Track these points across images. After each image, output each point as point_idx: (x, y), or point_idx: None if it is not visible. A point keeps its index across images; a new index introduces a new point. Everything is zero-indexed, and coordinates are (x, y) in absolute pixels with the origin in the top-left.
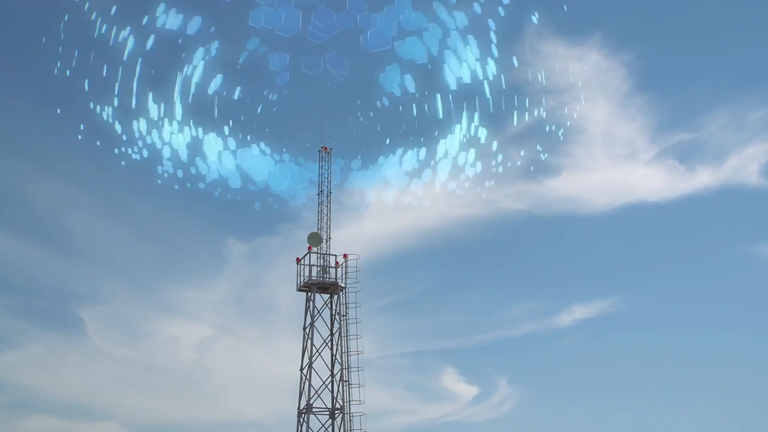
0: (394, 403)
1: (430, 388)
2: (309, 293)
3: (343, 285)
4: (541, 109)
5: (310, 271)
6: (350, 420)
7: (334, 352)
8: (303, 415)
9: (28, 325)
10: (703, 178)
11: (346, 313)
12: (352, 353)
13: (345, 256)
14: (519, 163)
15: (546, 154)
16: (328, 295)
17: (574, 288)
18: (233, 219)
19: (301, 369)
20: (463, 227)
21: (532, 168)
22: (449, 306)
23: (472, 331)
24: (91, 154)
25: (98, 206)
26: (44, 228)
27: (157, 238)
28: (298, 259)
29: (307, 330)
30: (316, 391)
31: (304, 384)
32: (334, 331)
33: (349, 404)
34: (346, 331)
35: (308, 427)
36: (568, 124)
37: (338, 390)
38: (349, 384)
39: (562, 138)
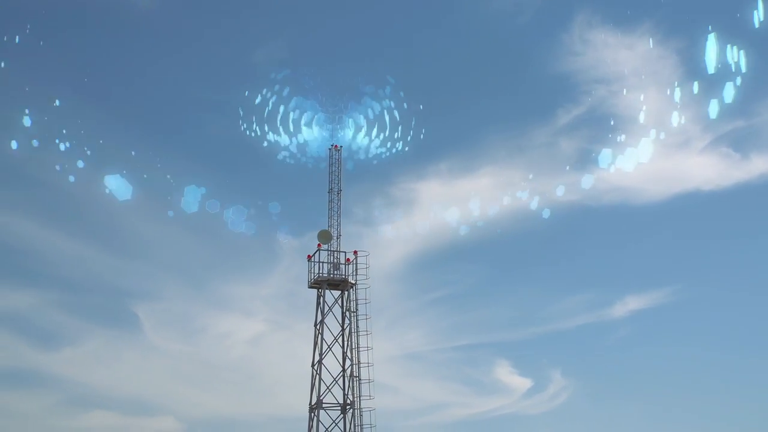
0: (447, 396)
1: (483, 381)
2: (320, 290)
3: (354, 282)
4: (592, 98)
5: (320, 268)
6: (360, 415)
7: (345, 349)
8: (314, 410)
9: (86, 322)
10: (758, 166)
11: (356, 309)
12: (362, 349)
13: (355, 252)
14: (570, 153)
15: (598, 144)
16: (339, 292)
17: (627, 279)
18: (284, 214)
19: (312, 365)
20: (514, 219)
21: (583, 158)
22: (501, 298)
23: (525, 323)
24: None
25: (152, 205)
26: (101, 227)
27: (210, 235)
28: (309, 256)
29: (318, 327)
30: (328, 387)
31: (315, 380)
32: (345, 328)
33: (359, 399)
34: (356, 327)
35: (318, 422)
36: (619, 113)
37: (348, 386)
38: (359, 380)
39: (613, 127)
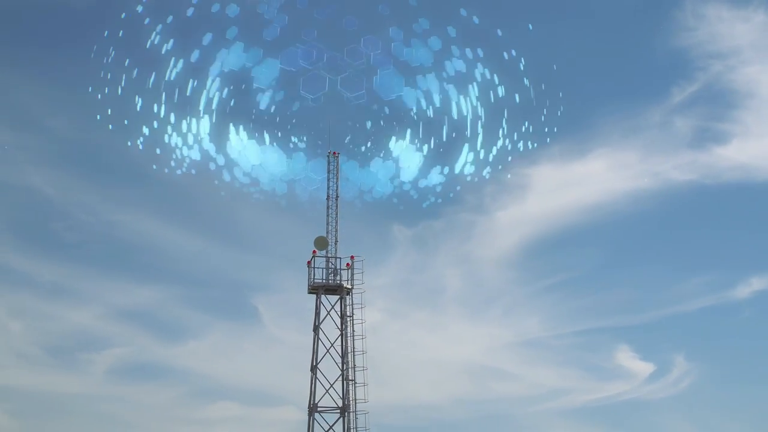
0: (567, 382)
1: (604, 366)
2: (318, 295)
3: (350, 287)
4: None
5: (314, 274)
6: (355, 418)
7: (342, 352)
8: (311, 413)
9: (207, 315)
10: None
11: (351, 314)
12: (357, 353)
13: (352, 257)
14: (686, 132)
15: (714, 121)
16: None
17: (750, 259)
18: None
19: (311, 369)
20: (630, 201)
21: (699, 136)
22: (620, 282)
23: (645, 307)
24: None
25: (266, 199)
26: (219, 222)
27: (323, 227)
28: (308, 262)
29: (317, 331)
30: (326, 390)
31: (313, 384)
32: (343, 332)
33: (354, 403)
34: (352, 331)
35: (313, 424)
36: (737, 88)
37: (345, 389)
38: (354, 383)
39: (730, 104)
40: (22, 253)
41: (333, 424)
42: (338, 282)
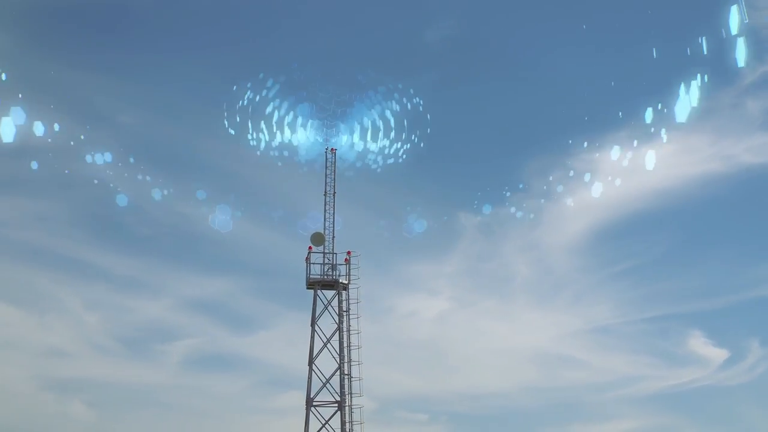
0: (639, 369)
1: (676, 353)
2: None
3: (346, 282)
4: None
5: (309, 270)
6: (350, 412)
7: (339, 348)
8: (309, 407)
9: (277, 306)
10: None
11: (347, 309)
12: (353, 348)
13: (349, 253)
14: (757, 114)
15: None
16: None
17: None
18: (462, 193)
19: (308, 364)
20: (700, 185)
21: None
22: (692, 267)
23: (717, 292)
24: None
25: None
26: (289, 215)
27: (391, 216)
28: (307, 259)
29: (313, 326)
30: (324, 384)
31: (310, 378)
32: (340, 327)
33: (350, 396)
34: (348, 326)
35: (309, 418)
36: None
37: (341, 383)
38: (349, 377)
39: None
40: (97, 247)
41: (329, 419)
42: (335, 278)
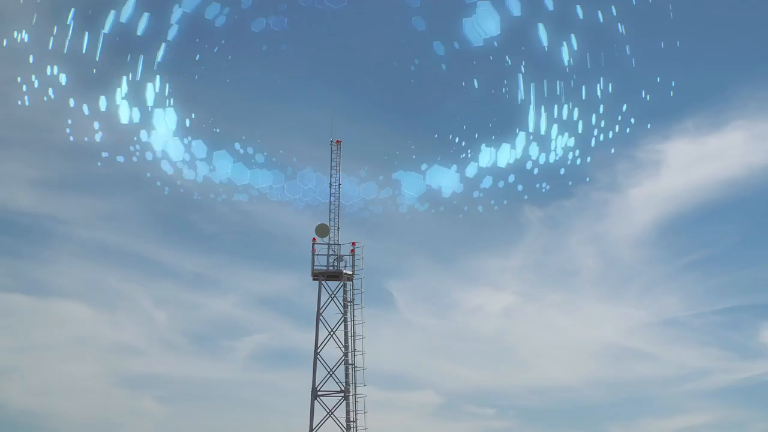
0: (710, 362)
1: (748, 345)
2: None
3: (350, 273)
4: None
5: (313, 261)
6: (355, 402)
7: (345, 338)
8: (315, 397)
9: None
10: None
11: (352, 299)
12: (357, 337)
13: (353, 244)
14: None
15: None
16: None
17: None
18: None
19: (314, 354)
20: None
21: None
22: (763, 258)
23: None
24: None
25: None
26: None
27: (455, 210)
28: (314, 250)
29: (318, 317)
30: (330, 372)
31: (315, 369)
32: (345, 317)
33: (354, 386)
34: (352, 316)
35: (314, 408)
36: None
37: (345, 373)
38: (354, 367)
39: None
40: (165, 245)
41: (334, 409)
42: (339, 269)
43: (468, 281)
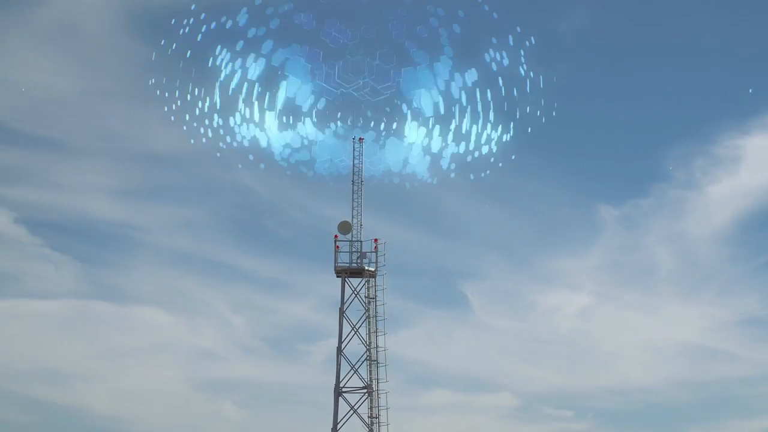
0: None
1: None
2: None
3: (373, 270)
4: None
5: (336, 258)
6: (377, 397)
7: (367, 334)
8: (339, 394)
9: (419, 304)
10: None
11: (374, 296)
12: (379, 334)
13: (376, 241)
14: None
15: None
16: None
17: None
18: (603, 184)
19: (337, 351)
20: None
21: None
22: None
23: None
24: None
25: (470, 186)
26: (426, 212)
27: (529, 211)
28: (337, 247)
29: (341, 313)
30: (354, 369)
31: (339, 365)
32: (365, 314)
33: (377, 381)
34: (374, 312)
35: (338, 404)
36: None
37: (369, 369)
38: (376, 363)
39: None
40: (242, 250)
41: (357, 406)
42: (362, 266)
43: (544, 282)
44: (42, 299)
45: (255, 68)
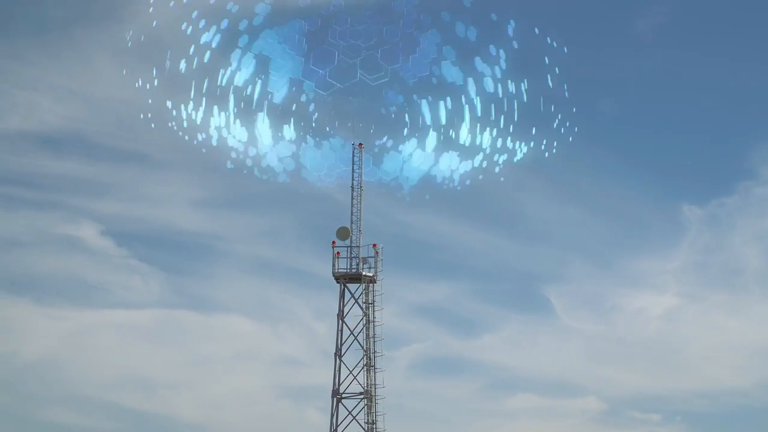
0: None
1: None
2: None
3: (370, 275)
4: None
5: (337, 264)
6: (375, 403)
7: (366, 340)
8: (337, 399)
9: (500, 308)
10: None
11: (372, 301)
12: (377, 339)
13: (375, 246)
14: None
15: None
16: (359, 285)
17: None
18: (686, 185)
19: (335, 355)
20: None
21: None
22: None
23: None
24: None
25: (549, 189)
26: (505, 216)
27: (611, 213)
28: (338, 253)
29: (341, 319)
30: (353, 375)
31: (338, 371)
32: (362, 319)
33: (374, 387)
34: (372, 317)
35: (338, 409)
36: None
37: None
38: (374, 368)
39: None
40: (323, 257)
41: (357, 412)
42: (360, 271)
43: (628, 284)
44: (129, 309)
45: None
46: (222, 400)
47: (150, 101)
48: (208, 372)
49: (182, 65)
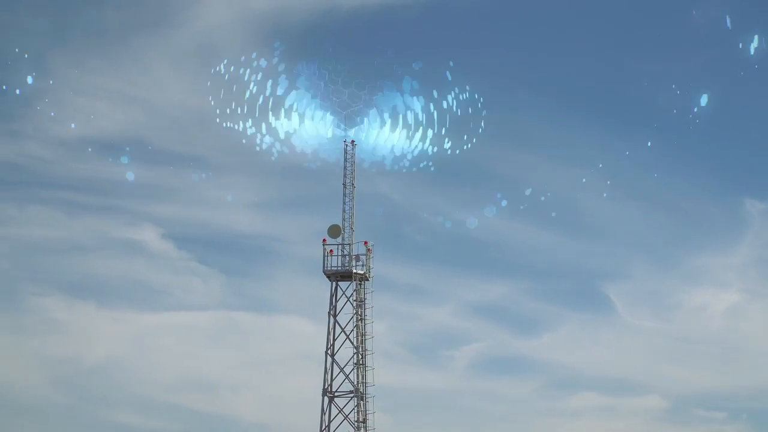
0: None
1: None
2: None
3: (361, 273)
4: None
5: (329, 262)
6: (365, 401)
7: (357, 338)
8: (328, 398)
9: (560, 307)
10: None
11: (363, 299)
12: (368, 337)
13: (366, 243)
14: None
15: None
16: (351, 282)
17: None
18: (747, 179)
19: (326, 353)
20: None
21: None
22: None
23: None
24: None
25: (609, 185)
26: (564, 212)
27: (671, 208)
28: (331, 251)
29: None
30: (345, 374)
31: (328, 368)
32: (353, 317)
33: (365, 386)
34: (363, 316)
35: (330, 408)
36: None
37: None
38: (364, 366)
39: None
40: (382, 258)
41: (348, 410)
42: (351, 269)
43: (689, 281)
44: (190, 311)
45: None
46: (282, 400)
47: (208, 105)
48: (268, 373)
49: (240, 70)
